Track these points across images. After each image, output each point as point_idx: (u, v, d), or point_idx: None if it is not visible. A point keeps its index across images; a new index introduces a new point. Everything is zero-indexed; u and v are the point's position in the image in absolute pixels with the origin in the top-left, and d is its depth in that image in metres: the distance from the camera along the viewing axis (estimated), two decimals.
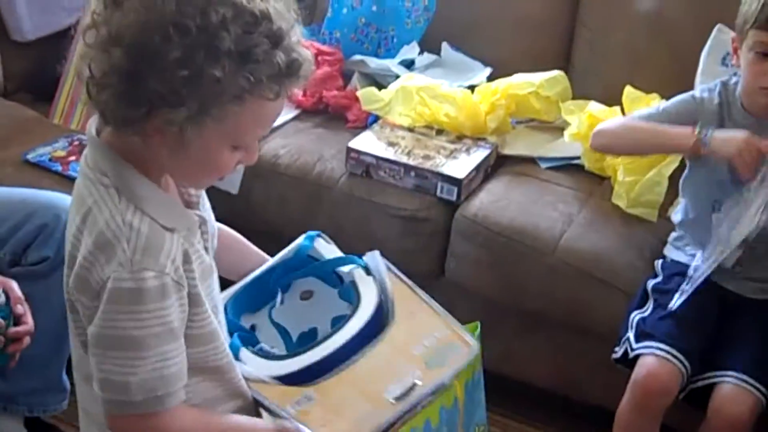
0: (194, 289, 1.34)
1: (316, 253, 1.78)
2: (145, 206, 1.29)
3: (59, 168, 2.58)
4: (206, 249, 1.42)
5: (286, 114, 2.93)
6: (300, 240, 1.78)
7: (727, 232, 2.07)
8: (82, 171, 1.35)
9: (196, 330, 1.37)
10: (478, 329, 2.02)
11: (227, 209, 2.82)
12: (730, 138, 2.08)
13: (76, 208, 1.33)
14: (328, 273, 1.77)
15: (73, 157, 2.64)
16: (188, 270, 1.33)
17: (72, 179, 2.50)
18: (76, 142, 2.72)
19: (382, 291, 1.68)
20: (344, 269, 1.74)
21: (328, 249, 1.78)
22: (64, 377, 2.30)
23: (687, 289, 2.11)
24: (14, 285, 1.96)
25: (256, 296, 1.74)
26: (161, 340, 1.29)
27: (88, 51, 1.24)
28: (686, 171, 2.28)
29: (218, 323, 1.43)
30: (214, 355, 1.41)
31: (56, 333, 2.24)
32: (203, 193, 1.47)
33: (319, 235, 1.78)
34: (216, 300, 1.45)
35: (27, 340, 1.95)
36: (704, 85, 2.28)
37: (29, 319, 1.96)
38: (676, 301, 2.11)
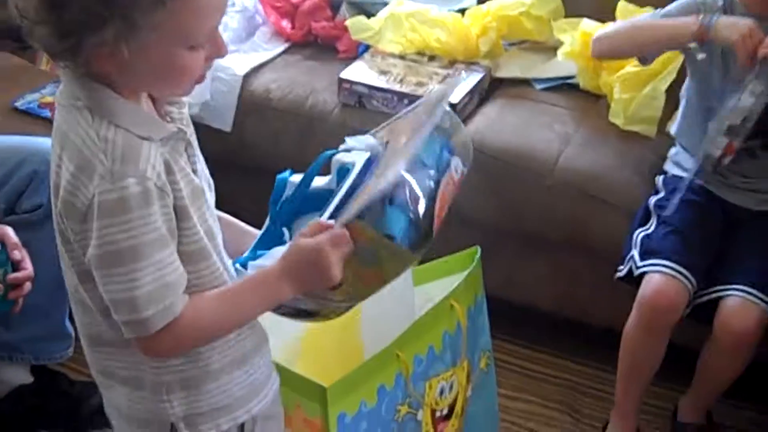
0: (180, 201, 1.32)
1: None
2: (118, 119, 1.28)
3: (48, 114, 2.55)
4: (194, 171, 1.40)
5: (276, 48, 2.90)
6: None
7: (716, 122, 2.04)
8: (57, 102, 1.34)
9: (184, 246, 1.35)
10: (478, 254, 2.02)
11: (221, 147, 2.82)
12: (734, 22, 2.06)
13: (55, 140, 1.33)
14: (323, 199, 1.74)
15: None
16: (172, 181, 1.31)
17: None
18: None
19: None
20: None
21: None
22: (67, 324, 2.30)
23: (681, 187, 2.10)
24: (10, 231, 1.95)
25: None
26: (154, 248, 1.28)
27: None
28: (686, 81, 2.26)
29: (214, 247, 1.42)
30: (207, 275, 1.39)
31: (56, 280, 2.22)
32: (187, 115, 1.43)
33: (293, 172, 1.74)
34: (210, 224, 1.43)
35: (28, 285, 1.95)
36: None
37: (28, 264, 1.95)
38: (670, 208, 2.10)
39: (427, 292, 1.89)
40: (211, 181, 1.50)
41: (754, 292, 2.01)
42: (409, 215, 1.39)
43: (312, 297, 1.41)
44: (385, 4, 2.87)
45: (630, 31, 2.29)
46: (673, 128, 2.33)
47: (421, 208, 1.39)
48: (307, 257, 1.34)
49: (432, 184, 1.41)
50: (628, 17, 2.63)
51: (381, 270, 1.40)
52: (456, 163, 1.49)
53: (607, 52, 2.35)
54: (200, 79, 1.32)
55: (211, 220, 1.43)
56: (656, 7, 2.56)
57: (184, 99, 1.43)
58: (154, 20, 1.21)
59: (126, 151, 1.26)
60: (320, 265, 1.33)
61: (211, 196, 1.46)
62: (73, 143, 1.28)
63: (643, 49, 2.29)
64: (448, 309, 1.87)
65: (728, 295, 2.03)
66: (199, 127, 2.82)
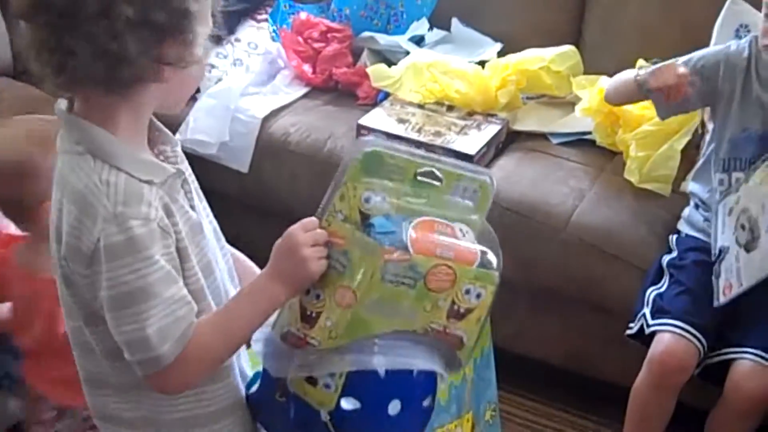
0: (181, 242, 1.35)
1: None
2: (119, 162, 1.30)
3: None
4: (192, 207, 1.42)
5: (296, 92, 2.92)
6: None
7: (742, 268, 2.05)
8: (59, 150, 1.36)
9: (186, 287, 1.36)
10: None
11: (238, 188, 2.84)
12: (663, 71, 2.16)
13: (56, 185, 1.35)
14: None
15: None
16: (173, 223, 1.34)
17: None
18: None
19: None
20: None
21: None
22: None
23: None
24: None
25: None
26: (164, 286, 1.30)
27: (75, 40, 1.24)
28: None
29: (210, 284, 1.43)
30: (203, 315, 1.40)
31: None
32: (181, 152, 1.47)
33: None
34: (209, 258, 1.45)
35: None
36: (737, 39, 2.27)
37: None
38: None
39: None
40: (212, 217, 1.52)
41: (767, 356, 2.00)
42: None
43: (292, 343, 1.40)
44: (407, 53, 2.90)
45: (613, 82, 2.39)
46: (687, 187, 2.33)
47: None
48: (283, 247, 1.37)
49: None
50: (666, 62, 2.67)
51: (352, 280, 1.37)
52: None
53: (606, 99, 2.44)
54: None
55: (210, 254, 1.44)
56: None
57: (178, 137, 1.47)
58: (199, 6, 1.28)
59: (128, 194, 1.28)
60: (295, 251, 1.35)
61: (210, 231, 1.48)
62: (75, 188, 1.29)
63: (622, 99, 2.39)
64: None
65: (740, 358, 2.02)
66: (217, 167, 2.86)
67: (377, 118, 2.68)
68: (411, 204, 1.44)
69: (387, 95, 2.81)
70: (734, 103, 2.17)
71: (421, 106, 2.74)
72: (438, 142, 2.57)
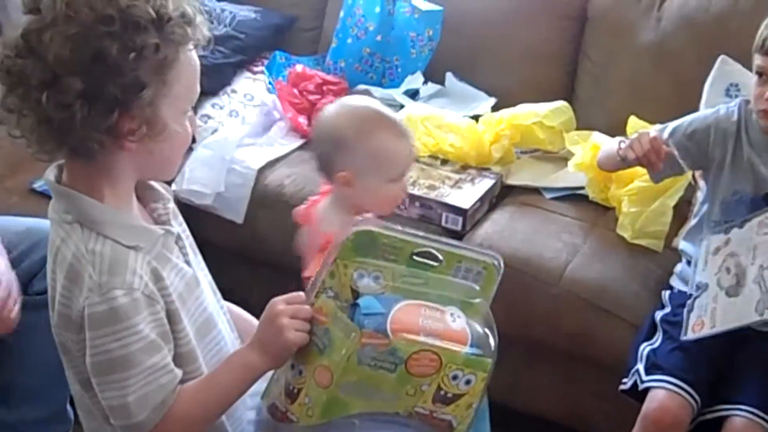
0: (171, 305, 1.36)
1: None
2: (106, 230, 1.32)
3: None
4: (187, 263, 1.43)
5: (291, 143, 2.94)
6: None
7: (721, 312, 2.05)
8: (50, 218, 1.39)
9: (176, 348, 1.38)
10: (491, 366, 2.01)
11: (233, 239, 2.85)
12: (636, 138, 2.16)
13: (50, 254, 1.38)
14: None
15: None
16: (161, 287, 1.36)
17: None
18: None
19: None
20: None
21: None
22: (69, 408, 2.29)
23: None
24: None
25: None
26: (146, 355, 1.31)
27: (25, 110, 1.29)
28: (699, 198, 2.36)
29: (214, 337, 1.45)
30: (196, 377, 1.41)
31: (61, 363, 2.24)
32: (175, 209, 1.50)
33: None
34: (210, 312, 1.46)
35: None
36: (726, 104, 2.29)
37: None
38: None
39: None
40: (207, 271, 1.54)
41: (760, 413, 2.00)
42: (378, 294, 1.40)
43: (276, 417, 1.41)
44: (401, 106, 2.93)
45: (602, 152, 2.40)
46: (679, 246, 2.35)
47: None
48: (264, 317, 1.40)
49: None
50: (639, 131, 2.69)
51: (331, 360, 1.38)
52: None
53: (598, 167, 2.44)
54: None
55: (210, 308, 1.45)
56: (664, 122, 2.65)
57: (168, 194, 1.47)
58: (174, 76, 1.31)
59: (113, 263, 1.30)
60: (273, 320, 1.37)
61: (207, 285, 1.48)
62: (64, 257, 1.32)
63: (611, 167, 2.37)
64: None
65: (733, 415, 2.02)
66: (212, 218, 2.87)
67: None
68: (406, 285, 1.44)
69: None
70: (725, 167, 2.19)
71: (415, 160, 2.75)
72: (432, 195, 2.58)
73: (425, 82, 3.11)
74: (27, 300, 2.16)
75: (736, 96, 2.57)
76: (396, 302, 1.40)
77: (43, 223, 2.24)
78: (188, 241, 1.49)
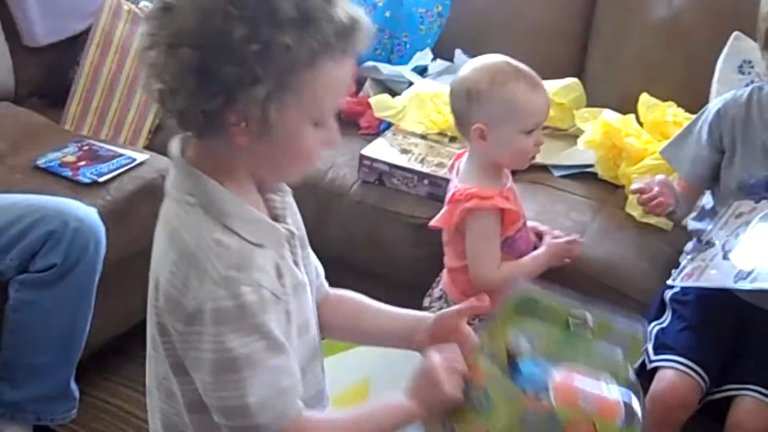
0: (288, 305, 1.32)
1: None
2: (232, 223, 1.27)
3: (69, 173, 2.57)
4: (296, 263, 1.38)
5: None
6: None
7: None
8: (167, 192, 1.33)
9: None
10: None
11: None
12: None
13: (162, 230, 1.31)
14: None
15: (83, 162, 2.63)
16: (283, 285, 1.31)
17: (82, 184, 2.51)
18: (86, 147, 2.71)
19: None
20: None
21: None
22: (73, 385, 2.29)
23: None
24: None
25: None
26: (270, 355, 1.27)
27: (152, 68, 1.22)
28: None
29: (304, 342, 1.41)
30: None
31: (64, 340, 2.24)
32: (291, 202, 1.44)
33: None
34: (308, 315, 1.42)
35: None
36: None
37: None
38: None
39: None
40: (320, 268, 1.52)
41: None
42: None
43: None
44: (410, 83, 2.90)
45: None
46: (689, 226, 2.32)
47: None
48: (421, 369, 1.39)
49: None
50: (650, 108, 2.66)
51: (488, 421, 1.38)
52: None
53: None
54: (312, 163, 1.32)
55: (308, 312, 1.42)
56: (677, 102, 2.62)
57: (287, 186, 1.43)
58: (301, 83, 1.21)
59: (240, 258, 1.25)
60: (432, 375, 1.37)
61: (312, 290, 1.44)
62: (184, 241, 1.26)
63: None
64: None
65: (742, 395, 2.01)
66: None
67: (380, 149, 2.67)
68: (559, 348, 1.43)
69: (389, 125, 2.81)
70: (737, 153, 2.16)
71: (423, 137, 2.73)
72: (441, 173, 2.56)
73: (434, 59, 3.08)
74: (28, 278, 2.16)
75: (749, 73, 2.54)
76: (553, 366, 1.40)
77: (48, 200, 2.26)
78: (300, 237, 1.43)
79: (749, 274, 1.95)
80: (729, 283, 1.98)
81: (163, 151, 2.84)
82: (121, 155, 2.68)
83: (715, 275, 2.02)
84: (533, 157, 2.19)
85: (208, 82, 1.19)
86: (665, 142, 2.37)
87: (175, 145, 1.32)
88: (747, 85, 2.19)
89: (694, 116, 2.28)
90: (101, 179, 2.56)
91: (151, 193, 2.63)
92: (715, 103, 2.22)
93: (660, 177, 2.24)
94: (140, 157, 2.69)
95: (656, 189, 2.19)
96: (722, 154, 2.19)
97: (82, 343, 2.27)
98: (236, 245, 1.25)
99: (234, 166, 1.30)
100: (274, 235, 1.33)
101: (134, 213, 2.58)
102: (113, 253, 2.31)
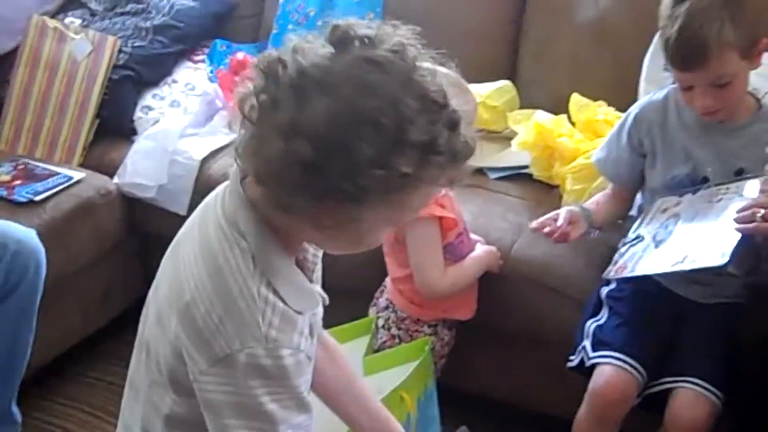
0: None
1: None
2: (278, 285, 1.26)
3: (4, 193, 2.55)
4: (311, 334, 1.38)
5: (234, 132, 2.91)
6: None
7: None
8: (217, 220, 1.29)
9: None
10: (428, 344, 2.03)
11: (176, 230, 2.81)
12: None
13: (203, 258, 1.28)
14: None
15: (18, 181, 2.60)
16: (313, 344, 1.35)
17: (18, 204, 2.48)
18: (21, 166, 2.69)
19: None
20: None
21: None
22: (14, 408, 2.27)
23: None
24: None
25: None
26: (297, 413, 1.28)
27: (258, 131, 1.19)
28: None
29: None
30: None
31: (6, 363, 2.22)
32: (319, 255, 1.43)
33: None
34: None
35: None
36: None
37: None
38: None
39: (378, 383, 1.89)
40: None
41: (705, 384, 2.01)
42: None
43: None
44: None
45: None
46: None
47: None
48: None
49: None
50: (581, 108, 2.70)
51: None
52: None
53: None
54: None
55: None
56: (607, 101, 2.67)
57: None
58: (400, 199, 1.20)
59: (284, 320, 1.25)
60: None
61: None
62: (227, 284, 1.24)
63: None
64: (398, 400, 1.86)
65: (679, 387, 2.03)
66: (155, 210, 2.84)
67: None
68: None
69: None
70: (657, 155, 2.20)
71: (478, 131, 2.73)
72: None
73: None
74: None
75: None
76: None
77: None
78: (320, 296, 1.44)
79: (684, 258, 1.99)
80: (666, 268, 2.01)
81: (98, 168, 2.84)
82: (57, 174, 2.66)
83: (650, 263, 2.06)
84: None
85: (314, 184, 1.16)
86: (596, 148, 2.41)
87: (237, 173, 1.29)
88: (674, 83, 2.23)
89: (624, 114, 2.32)
90: (37, 198, 2.54)
91: (88, 212, 2.63)
92: (632, 109, 2.26)
93: (565, 208, 2.28)
94: (77, 175, 2.67)
95: (560, 221, 2.22)
96: (644, 158, 2.23)
97: (24, 365, 2.25)
98: (281, 308, 1.25)
99: (293, 230, 1.28)
100: (312, 302, 1.34)
101: (72, 231, 2.57)
102: (51, 272, 2.29)
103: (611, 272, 2.15)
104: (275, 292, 1.25)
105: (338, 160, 1.14)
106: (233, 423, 1.26)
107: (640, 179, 2.26)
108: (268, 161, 1.17)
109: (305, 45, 1.19)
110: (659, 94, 2.23)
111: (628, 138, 2.23)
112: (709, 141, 2.14)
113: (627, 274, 2.10)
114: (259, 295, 1.23)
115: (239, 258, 1.25)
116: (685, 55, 1.97)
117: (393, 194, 1.19)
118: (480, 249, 2.27)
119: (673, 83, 2.15)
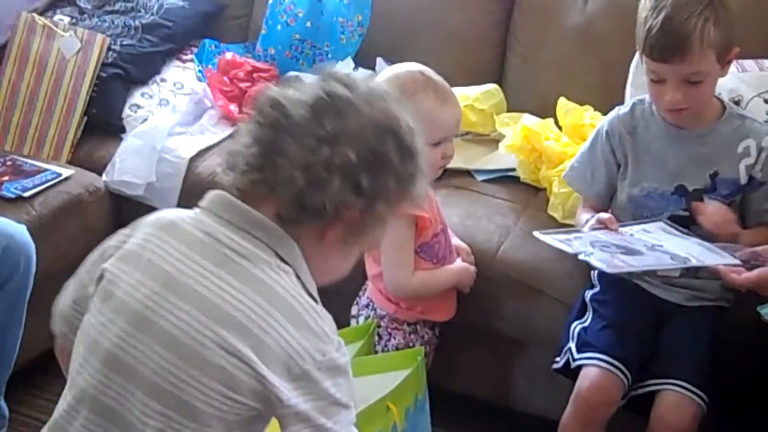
0: None
1: None
2: (313, 292, 1.39)
3: None
4: None
5: (222, 131, 2.93)
6: None
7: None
8: (260, 258, 1.34)
9: None
10: (421, 354, 2.03)
11: None
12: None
13: (239, 276, 1.32)
14: None
15: (6, 177, 2.60)
16: None
17: (6, 200, 2.48)
18: (9, 162, 2.69)
19: None
20: None
21: None
22: (2, 403, 2.27)
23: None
24: None
25: None
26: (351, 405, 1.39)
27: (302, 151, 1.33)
28: None
29: None
30: None
31: None
32: None
33: None
34: None
35: None
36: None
37: None
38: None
39: (364, 390, 1.83)
40: None
41: (690, 387, 2.03)
42: None
43: None
44: None
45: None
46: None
47: None
48: None
49: None
50: (568, 112, 2.72)
51: None
52: None
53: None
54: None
55: None
56: (593, 106, 2.69)
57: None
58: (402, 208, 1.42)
59: (329, 321, 1.37)
60: None
61: None
62: (284, 299, 1.32)
63: None
64: (383, 411, 1.86)
65: (664, 389, 2.05)
66: (144, 208, 2.84)
67: None
68: None
69: None
70: (628, 167, 2.23)
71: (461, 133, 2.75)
72: None
73: (356, 68, 3.10)
74: None
75: None
76: None
77: None
78: None
79: (685, 259, 2.02)
80: (667, 261, 2.03)
81: (87, 165, 2.84)
82: (45, 170, 2.66)
83: (650, 259, 2.06)
84: (443, 167, 2.21)
85: (352, 186, 1.32)
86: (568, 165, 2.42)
87: (269, 214, 1.36)
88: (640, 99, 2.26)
89: (594, 130, 2.34)
90: (26, 194, 2.54)
91: (76, 209, 2.63)
92: (601, 125, 2.29)
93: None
94: (65, 172, 2.67)
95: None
96: (619, 168, 2.25)
97: (12, 361, 2.25)
98: (322, 309, 1.38)
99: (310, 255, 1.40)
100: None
101: (60, 228, 2.57)
102: (39, 268, 2.29)
103: (604, 267, 2.05)
104: (311, 295, 1.38)
105: (379, 164, 1.37)
106: (323, 421, 1.34)
107: (612, 192, 2.28)
108: (313, 179, 1.33)
109: None
110: (624, 108, 2.26)
111: (602, 153, 2.25)
112: (680, 149, 2.17)
113: (632, 268, 2.07)
114: (315, 302, 1.36)
115: (285, 277, 1.34)
116: (667, 45, 2.01)
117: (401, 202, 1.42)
118: (458, 263, 2.27)
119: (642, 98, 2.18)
